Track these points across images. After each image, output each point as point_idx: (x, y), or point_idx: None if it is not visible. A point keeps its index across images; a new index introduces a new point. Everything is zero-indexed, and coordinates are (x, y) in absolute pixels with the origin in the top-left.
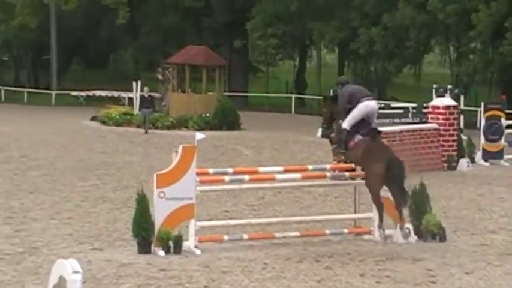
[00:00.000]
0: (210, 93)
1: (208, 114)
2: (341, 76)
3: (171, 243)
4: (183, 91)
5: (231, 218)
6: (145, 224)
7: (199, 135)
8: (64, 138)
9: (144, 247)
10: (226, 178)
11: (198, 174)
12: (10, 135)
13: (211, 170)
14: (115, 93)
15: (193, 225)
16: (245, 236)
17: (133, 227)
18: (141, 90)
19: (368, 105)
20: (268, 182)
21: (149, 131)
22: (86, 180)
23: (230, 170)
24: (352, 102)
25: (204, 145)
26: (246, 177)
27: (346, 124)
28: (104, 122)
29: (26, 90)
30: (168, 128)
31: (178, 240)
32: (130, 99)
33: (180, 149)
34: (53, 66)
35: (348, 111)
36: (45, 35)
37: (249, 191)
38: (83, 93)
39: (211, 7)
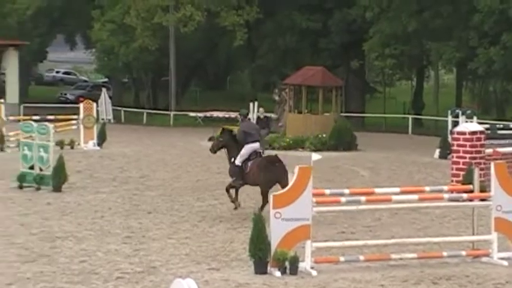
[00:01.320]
0: (326, 114)
1: (324, 135)
2: (243, 109)
3: (287, 263)
4: (300, 112)
5: (347, 239)
6: (261, 244)
7: (316, 156)
8: (182, 159)
9: (261, 267)
10: (343, 199)
11: (314, 195)
12: (130, 156)
13: (327, 191)
14: (232, 114)
15: (309, 246)
16: (361, 257)
17: (250, 247)
18: (257, 111)
19: (252, 147)
20: (384, 203)
21: (265, 151)
22: (203, 200)
23: (346, 191)
24: (244, 141)
25: (320, 166)
26: (363, 198)
27: (238, 161)
28: None
29: (145, 111)
30: (285, 148)
31: (295, 261)
32: None
33: (296, 170)
34: (171, 88)
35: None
36: (165, 57)
37: (366, 212)
38: (201, 114)
39: (328, 28)
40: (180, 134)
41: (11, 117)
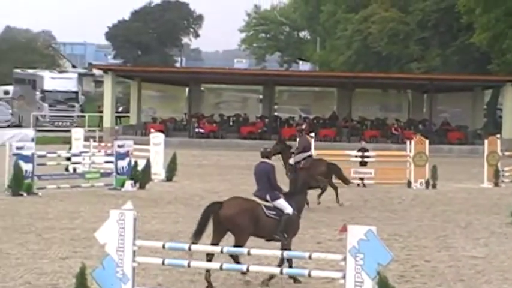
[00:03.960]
0: None
1: None
2: (300, 127)
3: None
4: None
5: None
6: None
7: None
8: None
9: None
10: None
11: None
12: None
13: None
14: None
15: None
16: None
17: None
18: None
19: (305, 155)
20: None
21: None
22: None
23: None
24: (301, 151)
25: None
26: None
27: (291, 161)
28: None
29: None
30: None
31: None
32: None
33: None
34: None
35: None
36: None
37: None
38: None
39: None
40: None
41: (507, 153)
